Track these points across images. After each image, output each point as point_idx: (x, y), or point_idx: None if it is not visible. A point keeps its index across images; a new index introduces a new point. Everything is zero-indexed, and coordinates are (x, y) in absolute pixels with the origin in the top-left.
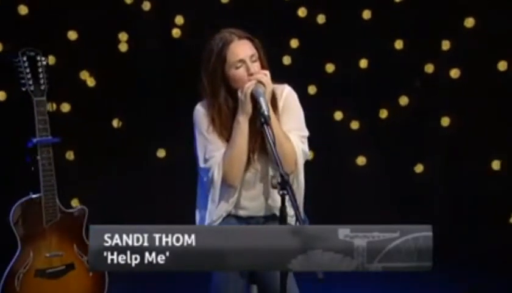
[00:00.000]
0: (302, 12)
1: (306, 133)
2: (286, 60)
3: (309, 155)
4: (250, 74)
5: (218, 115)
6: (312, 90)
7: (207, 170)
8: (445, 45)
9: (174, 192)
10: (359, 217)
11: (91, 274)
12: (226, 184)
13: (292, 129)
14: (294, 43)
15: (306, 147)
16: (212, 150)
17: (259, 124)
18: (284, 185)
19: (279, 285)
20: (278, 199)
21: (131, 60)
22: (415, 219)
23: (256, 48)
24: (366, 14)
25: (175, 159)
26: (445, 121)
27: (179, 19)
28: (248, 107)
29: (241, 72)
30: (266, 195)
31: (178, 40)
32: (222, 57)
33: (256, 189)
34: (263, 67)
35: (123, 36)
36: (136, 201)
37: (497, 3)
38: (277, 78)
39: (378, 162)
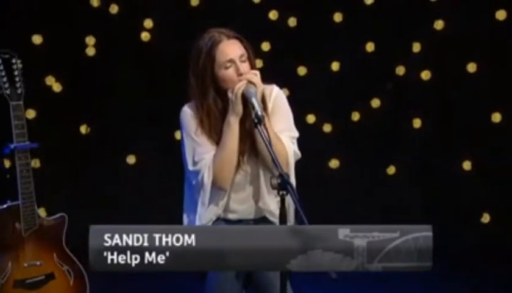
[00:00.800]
0: (273, 15)
1: (296, 134)
2: (258, 63)
3: (299, 156)
4: (240, 74)
5: (207, 117)
6: (284, 93)
7: (196, 173)
8: (416, 47)
9: (145, 198)
10: (333, 220)
11: (71, 283)
12: (216, 187)
13: (282, 130)
14: (266, 46)
15: (296, 148)
16: (201, 152)
17: (252, 125)
18: (285, 185)
19: (275, 289)
20: (269, 201)
21: (99, 65)
22: (388, 220)
23: (246, 48)
24: (337, 17)
25: (146, 165)
26: (417, 123)
27: (148, 23)
28: (239, 108)
29: (231, 72)
30: (256, 198)
31: (148, 44)
32: (212, 57)
33: (245, 192)
34: (252, 67)
35: (90, 40)
36: (106, 208)
37: (466, 5)
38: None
39: (351, 165)
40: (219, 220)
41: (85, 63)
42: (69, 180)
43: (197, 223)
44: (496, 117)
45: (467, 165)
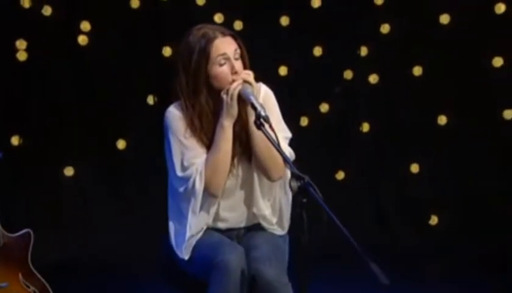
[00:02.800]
0: (218, 18)
1: (289, 134)
2: None
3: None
4: (235, 72)
5: (198, 118)
6: None
7: (186, 179)
8: (363, 51)
9: (86, 211)
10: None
11: None
12: (207, 194)
13: (276, 131)
14: None
15: (291, 149)
16: (191, 157)
17: (255, 127)
18: (307, 187)
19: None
20: (264, 207)
21: (31, 71)
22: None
23: (240, 46)
24: (284, 21)
25: (84, 178)
26: (366, 127)
27: (85, 25)
28: (235, 110)
29: (225, 69)
30: (249, 203)
31: (85, 48)
32: (206, 53)
33: (235, 198)
34: (245, 66)
35: (21, 44)
36: (45, 223)
37: (411, 9)
38: None
39: (300, 170)
40: (208, 229)
41: (15, 69)
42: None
43: (188, 233)
44: (442, 119)
45: (415, 168)
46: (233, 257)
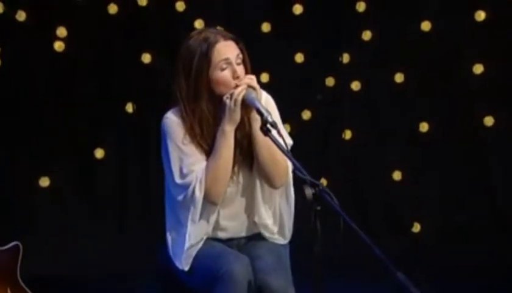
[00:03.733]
0: (199, 24)
1: (291, 141)
2: None
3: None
4: (237, 77)
5: (199, 123)
6: None
7: (185, 187)
8: (346, 58)
9: (63, 223)
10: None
11: None
12: (207, 201)
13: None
14: None
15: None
16: (191, 164)
17: (262, 133)
18: (322, 194)
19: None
20: (266, 215)
21: (5, 78)
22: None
23: (241, 50)
24: (266, 27)
25: (61, 188)
26: (348, 134)
27: (61, 31)
28: (238, 116)
29: (227, 74)
30: (249, 212)
31: (61, 54)
32: (208, 57)
33: (235, 206)
34: (247, 71)
35: None
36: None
37: (392, 16)
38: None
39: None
40: (208, 239)
41: None
42: None
43: (187, 243)
44: (424, 127)
45: (397, 175)
46: (239, 268)
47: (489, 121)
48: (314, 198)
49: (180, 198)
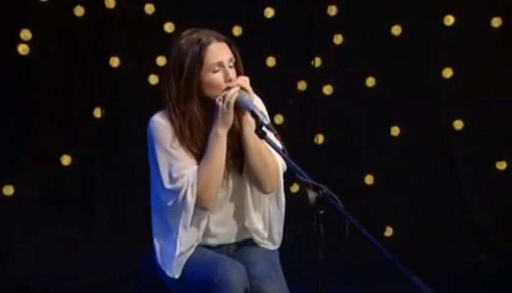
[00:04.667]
0: (169, 27)
1: (280, 145)
2: (153, 79)
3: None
4: (229, 80)
5: (189, 126)
6: None
7: (176, 192)
8: (317, 62)
9: (28, 232)
10: None
11: None
12: (198, 207)
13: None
14: (161, 61)
15: (282, 160)
16: (181, 168)
17: (257, 136)
18: (327, 197)
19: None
20: (256, 220)
21: None
22: (294, 237)
23: (234, 53)
24: (237, 31)
25: (25, 197)
26: (320, 138)
27: (25, 34)
28: (231, 118)
29: (219, 77)
30: (239, 217)
31: (26, 57)
32: (200, 59)
33: (224, 212)
34: (239, 74)
35: None
36: None
37: (364, 20)
38: (143, 100)
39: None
40: (198, 246)
41: None
42: None
43: (177, 250)
44: (395, 130)
45: (369, 179)
46: (235, 276)
47: (458, 124)
48: (318, 202)
49: (170, 203)
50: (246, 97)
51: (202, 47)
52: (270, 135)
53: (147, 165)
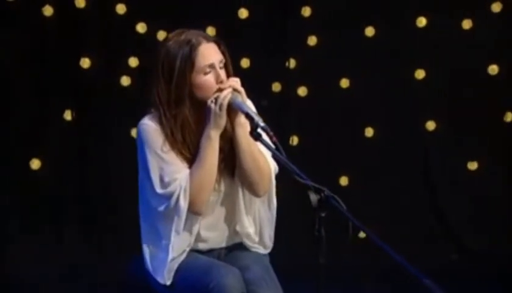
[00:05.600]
0: (141, 28)
1: (274, 146)
2: (125, 80)
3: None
4: (220, 82)
5: (180, 130)
6: None
7: (168, 196)
8: (292, 63)
9: None
10: None
11: None
12: (190, 211)
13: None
14: (134, 62)
15: (274, 162)
16: (173, 172)
17: (252, 137)
18: (329, 199)
19: None
20: (248, 224)
21: None
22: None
23: (223, 53)
24: (211, 32)
25: None
26: (295, 140)
27: None
28: (224, 120)
29: (210, 79)
30: (229, 221)
31: None
32: (191, 61)
33: (215, 216)
34: (229, 74)
35: None
36: None
37: (337, 21)
38: (115, 102)
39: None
40: (190, 251)
41: None
42: None
43: (170, 255)
44: (369, 131)
45: (344, 180)
46: (231, 281)
47: (431, 125)
48: (320, 204)
49: (162, 208)
50: (239, 99)
51: (192, 48)
52: (265, 137)
53: (119, 168)
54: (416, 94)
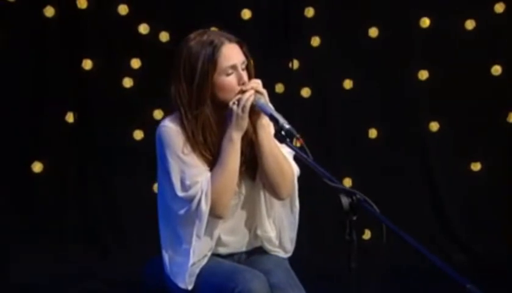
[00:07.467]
0: (143, 29)
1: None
2: (128, 82)
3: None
4: (243, 83)
5: (201, 131)
6: (159, 114)
7: (189, 200)
8: (295, 64)
9: None
10: None
11: None
12: (212, 215)
13: (280, 146)
14: (136, 63)
15: (295, 164)
16: (194, 175)
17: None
18: (361, 203)
19: None
20: (269, 228)
21: None
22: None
23: (245, 54)
24: None
25: None
26: (298, 142)
27: None
28: (246, 122)
29: (232, 80)
30: (250, 225)
31: None
32: (213, 61)
33: (235, 219)
34: (250, 76)
35: None
36: None
37: (340, 22)
38: (117, 103)
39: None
40: (212, 255)
41: None
42: None
43: (191, 259)
44: (373, 133)
45: (347, 182)
46: (256, 285)
47: (434, 126)
48: (351, 208)
49: (182, 212)
50: (262, 100)
51: (215, 49)
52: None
53: (122, 170)
54: (420, 95)
